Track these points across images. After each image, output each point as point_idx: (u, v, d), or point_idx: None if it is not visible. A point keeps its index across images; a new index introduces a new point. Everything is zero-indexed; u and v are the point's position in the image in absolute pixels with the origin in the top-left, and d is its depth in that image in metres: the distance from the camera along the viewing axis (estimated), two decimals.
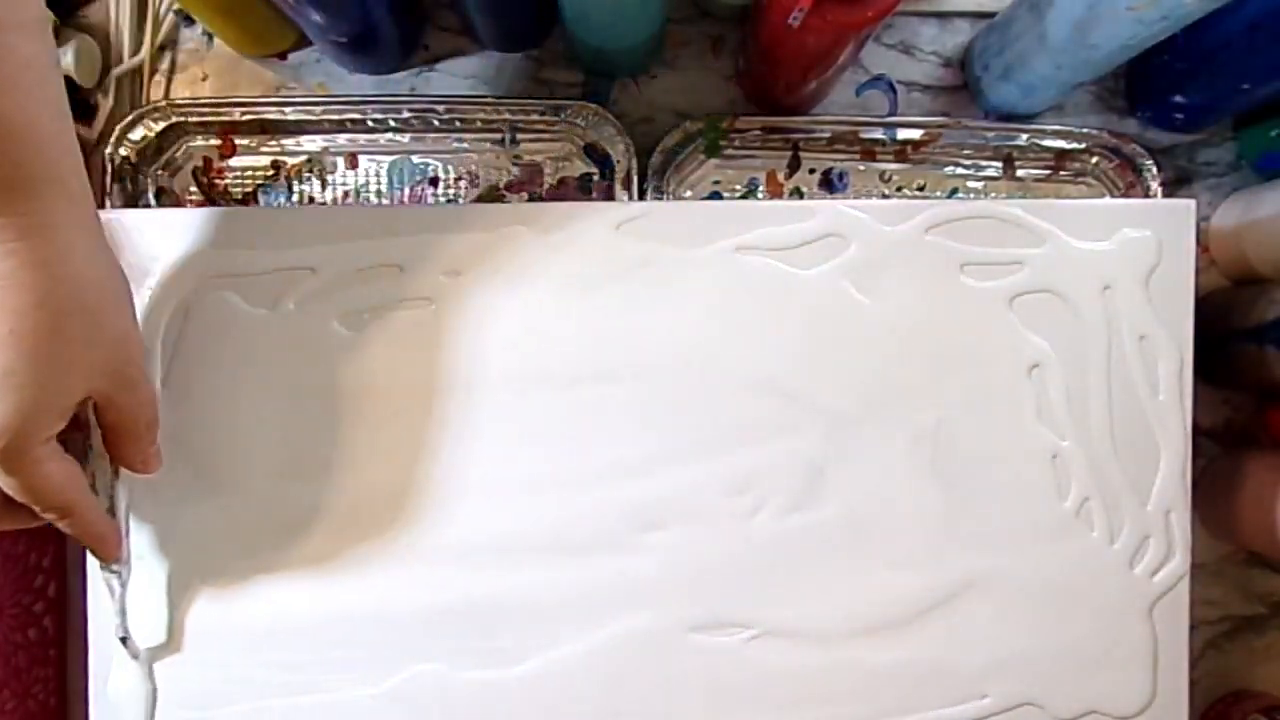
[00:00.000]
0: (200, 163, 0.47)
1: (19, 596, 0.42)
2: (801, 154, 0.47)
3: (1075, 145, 0.46)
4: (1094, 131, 0.46)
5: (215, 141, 0.46)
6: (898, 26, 0.48)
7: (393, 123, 0.46)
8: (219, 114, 0.45)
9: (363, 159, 0.47)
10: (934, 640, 0.39)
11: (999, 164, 0.47)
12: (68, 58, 0.43)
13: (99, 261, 0.31)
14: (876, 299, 0.40)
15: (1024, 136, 0.46)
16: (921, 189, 0.47)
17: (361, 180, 0.47)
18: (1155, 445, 0.40)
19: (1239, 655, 0.48)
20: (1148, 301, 0.40)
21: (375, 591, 0.39)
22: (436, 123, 0.46)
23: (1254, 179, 0.47)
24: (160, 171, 0.46)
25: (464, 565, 0.39)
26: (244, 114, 0.46)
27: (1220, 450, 0.47)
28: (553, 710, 0.39)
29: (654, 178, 0.45)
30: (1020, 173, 0.47)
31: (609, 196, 0.45)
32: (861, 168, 0.47)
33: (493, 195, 0.47)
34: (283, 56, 0.47)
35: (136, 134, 0.45)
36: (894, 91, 0.48)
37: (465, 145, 0.47)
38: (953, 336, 0.40)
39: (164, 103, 0.45)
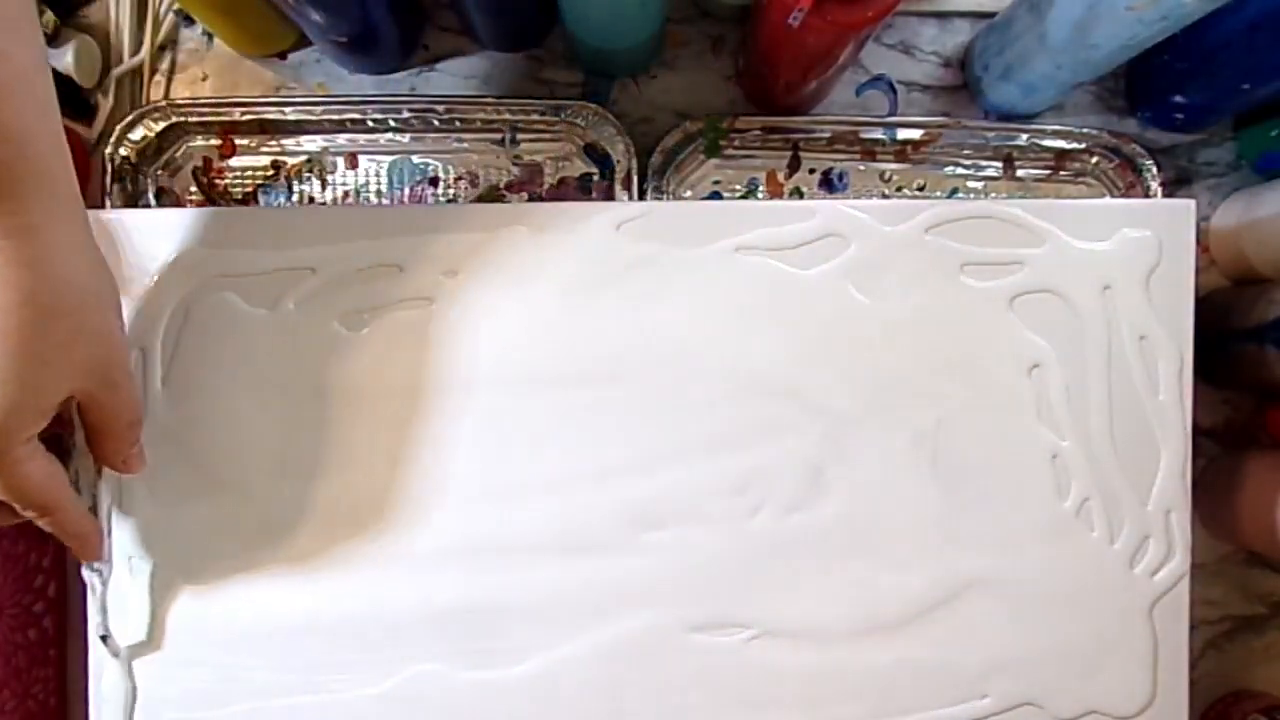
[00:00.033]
0: (200, 163, 0.47)
1: (19, 596, 0.42)
2: (801, 154, 0.47)
3: (1075, 145, 0.46)
4: (1094, 131, 0.46)
5: (215, 141, 0.46)
6: (898, 26, 0.48)
7: (393, 123, 0.46)
8: (219, 114, 0.45)
9: (363, 159, 0.47)
10: (934, 640, 0.39)
11: (999, 164, 0.47)
12: (68, 58, 0.43)
13: (85, 261, 0.31)
14: (876, 299, 0.40)
15: (1024, 136, 0.46)
16: (921, 189, 0.47)
17: (361, 180, 0.47)
18: (1155, 445, 0.40)
19: (1239, 655, 0.48)
20: (1148, 301, 0.40)
21: (376, 591, 0.39)
22: (436, 123, 0.46)
23: (1254, 179, 0.47)
24: (160, 171, 0.46)
25: (464, 565, 0.39)
26: (244, 114, 0.46)
27: (1220, 450, 0.47)
28: (553, 710, 0.39)
29: (654, 178, 0.45)
30: (1020, 173, 0.47)
31: (609, 196, 0.45)
32: (861, 168, 0.47)
33: (493, 195, 0.47)
34: (283, 56, 0.47)
35: (136, 134, 0.45)
36: (894, 91, 0.48)
37: (465, 145, 0.47)
38: (953, 336, 0.40)
39: (164, 103, 0.45)
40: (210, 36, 0.47)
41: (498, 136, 0.46)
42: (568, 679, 0.39)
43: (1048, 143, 0.46)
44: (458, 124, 0.46)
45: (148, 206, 0.46)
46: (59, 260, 0.30)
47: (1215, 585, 0.47)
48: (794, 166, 0.47)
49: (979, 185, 0.47)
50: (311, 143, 0.47)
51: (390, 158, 0.47)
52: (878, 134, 0.46)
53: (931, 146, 0.46)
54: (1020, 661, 0.39)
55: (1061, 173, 0.47)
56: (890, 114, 0.47)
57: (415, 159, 0.47)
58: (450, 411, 0.39)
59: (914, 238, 0.40)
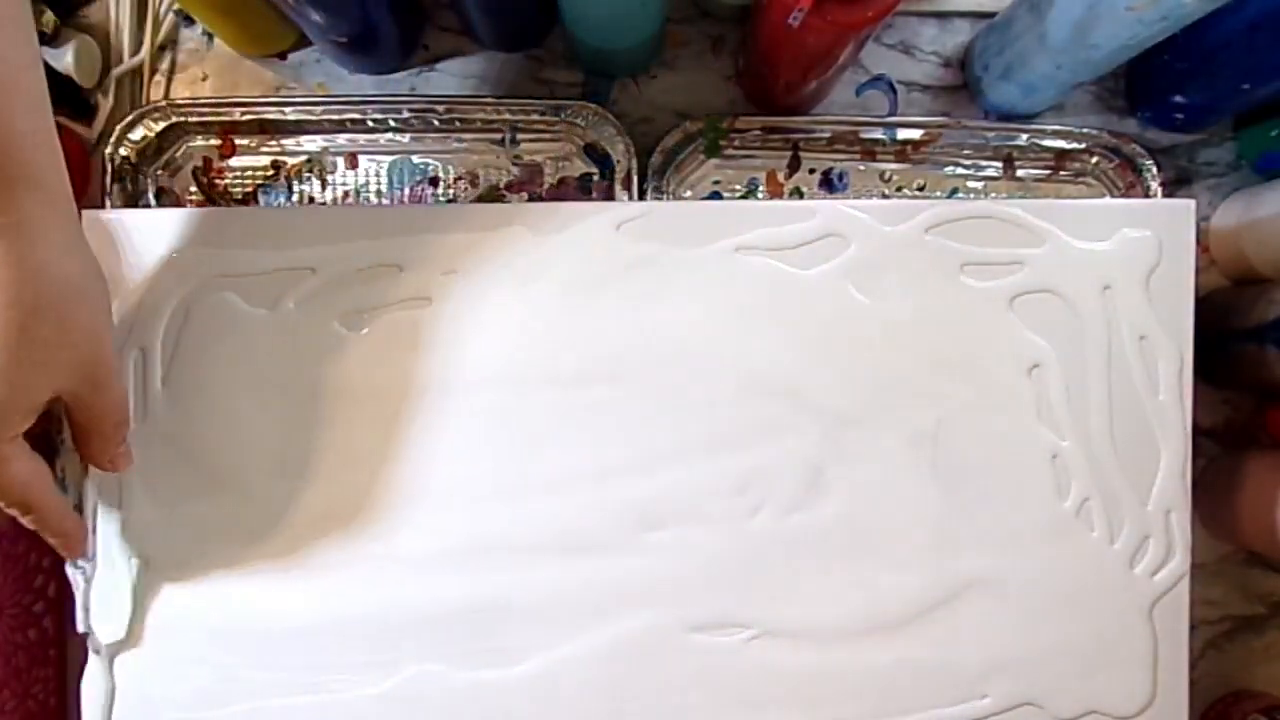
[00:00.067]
0: (200, 163, 0.47)
1: (19, 596, 0.42)
2: (801, 154, 0.47)
3: (1075, 145, 0.46)
4: (1094, 131, 0.46)
5: (215, 141, 0.46)
6: (898, 26, 0.48)
7: (393, 123, 0.46)
8: (219, 114, 0.45)
9: (363, 159, 0.47)
10: (934, 640, 0.39)
11: (999, 164, 0.47)
12: (68, 58, 0.43)
13: (73, 261, 0.31)
14: (876, 299, 0.40)
15: (1024, 136, 0.46)
16: (921, 189, 0.47)
17: (361, 180, 0.47)
18: (1155, 445, 0.40)
19: (1239, 655, 0.48)
20: (1148, 301, 0.40)
21: (376, 591, 0.39)
22: (436, 123, 0.46)
23: (1254, 179, 0.47)
24: (160, 171, 0.46)
25: (464, 565, 0.39)
26: (244, 114, 0.46)
27: (1220, 450, 0.47)
28: (553, 710, 0.39)
29: (654, 178, 0.45)
30: (1020, 173, 0.47)
31: (609, 196, 0.45)
32: (861, 168, 0.47)
33: (493, 195, 0.47)
34: (283, 56, 0.47)
35: (136, 134, 0.45)
36: (894, 91, 0.48)
37: (465, 145, 0.47)
38: (953, 336, 0.40)
39: (164, 103, 0.45)
40: (210, 36, 0.47)
41: (498, 136, 0.46)
42: (568, 679, 0.39)
43: (1048, 143, 0.46)
44: (458, 124, 0.46)
45: (148, 206, 0.46)
46: (48, 260, 0.30)
47: (1215, 585, 0.47)
48: (794, 166, 0.47)
49: (979, 185, 0.47)
50: (311, 143, 0.47)
51: (390, 158, 0.47)
52: (878, 134, 0.46)
53: (931, 146, 0.46)
54: (1020, 661, 0.39)
55: (1061, 173, 0.47)
56: (890, 114, 0.47)
57: (415, 159, 0.47)
58: (450, 411, 0.39)
59: (914, 238, 0.40)
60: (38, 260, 0.29)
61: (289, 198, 0.47)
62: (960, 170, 0.47)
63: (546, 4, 0.42)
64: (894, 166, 0.47)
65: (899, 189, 0.47)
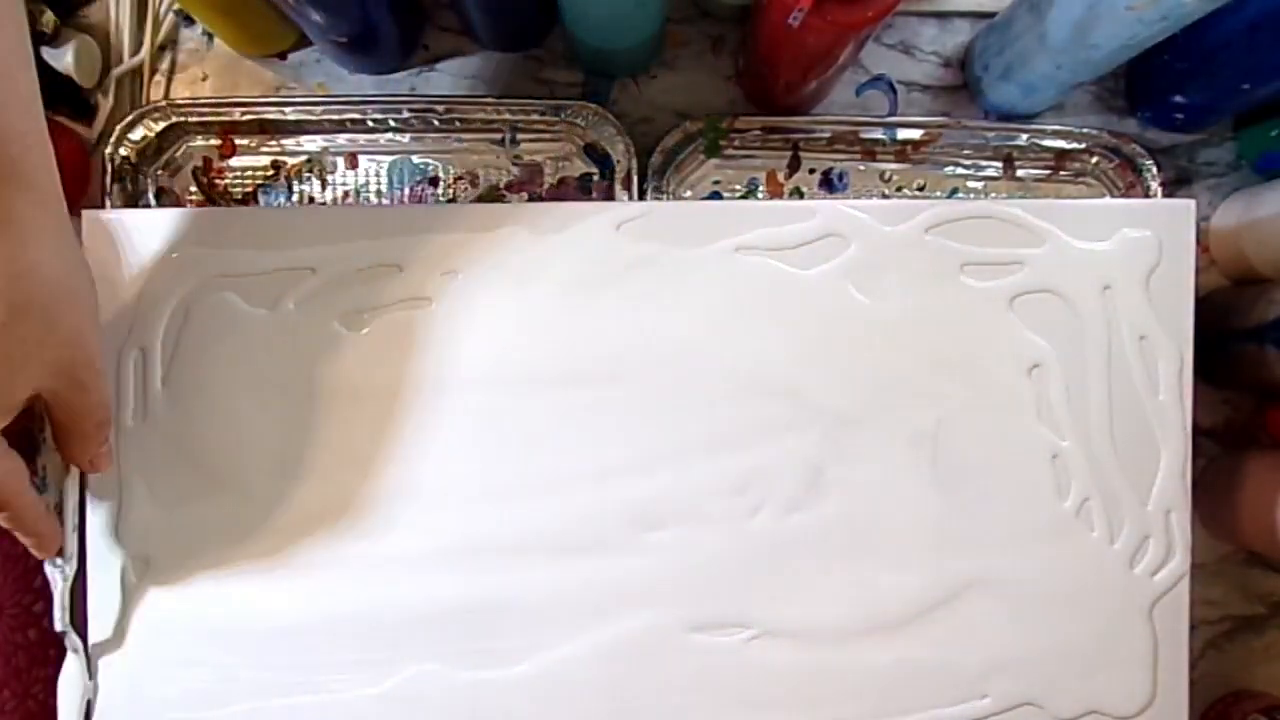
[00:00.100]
0: (200, 163, 0.47)
1: (19, 596, 0.42)
2: (801, 154, 0.47)
3: (1075, 145, 0.46)
4: (1094, 131, 0.46)
5: (215, 141, 0.46)
6: (898, 26, 0.48)
7: (393, 123, 0.46)
8: (219, 114, 0.45)
9: (363, 159, 0.47)
10: (934, 640, 0.39)
11: (999, 164, 0.47)
12: (68, 58, 0.43)
13: (62, 261, 0.31)
14: (876, 299, 0.40)
15: (1024, 136, 0.46)
16: (921, 189, 0.47)
17: (361, 180, 0.47)
18: (1155, 445, 0.40)
19: (1239, 655, 0.47)
20: (1148, 301, 0.40)
21: (376, 591, 0.39)
22: (436, 123, 0.46)
23: (1254, 179, 0.47)
24: (160, 171, 0.46)
25: (464, 565, 0.39)
26: (244, 114, 0.46)
27: (1220, 450, 0.47)
28: (553, 710, 0.39)
29: (654, 178, 0.45)
30: (1020, 173, 0.47)
31: (609, 196, 0.45)
32: (861, 168, 0.47)
33: (493, 195, 0.47)
34: (283, 56, 0.47)
35: (136, 134, 0.45)
36: (894, 91, 0.48)
37: (465, 145, 0.47)
38: (953, 336, 0.40)
39: (164, 103, 0.45)
40: (210, 36, 0.47)
41: (498, 136, 0.46)
42: (568, 679, 0.39)
43: (1048, 143, 0.46)
44: (458, 124, 0.46)
45: (148, 206, 0.46)
46: (38, 260, 0.30)
47: (1215, 585, 0.47)
48: (794, 166, 0.47)
49: (979, 185, 0.47)
50: (311, 143, 0.47)
51: (390, 158, 0.47)
52: (878, 134, 0.46)
53: (931, 146, 0.46)
54: (1020, 661, 0.39)
55: (1061, 173, 0.47)
56: (890, 114, 0.47)
57: (415, 159, 0.47)
58: (450, 411, 0.39)
59: (914, 238, 0.40)
60: (28, 260, 0.29)
61: (289, 198, 0.47)
62: (960, 170, 0.47)
63: (546, 4, 0.42)
64: (894, 166, 0.47)
65: (899, 189, 0.47)
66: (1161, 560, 0.40)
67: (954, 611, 0.39)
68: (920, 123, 0.46)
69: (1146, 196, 0.46)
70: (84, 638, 0.39)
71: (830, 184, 0.47)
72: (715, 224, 0.40)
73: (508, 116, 0.46)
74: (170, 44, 0.47)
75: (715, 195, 0.47)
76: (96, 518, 0.39)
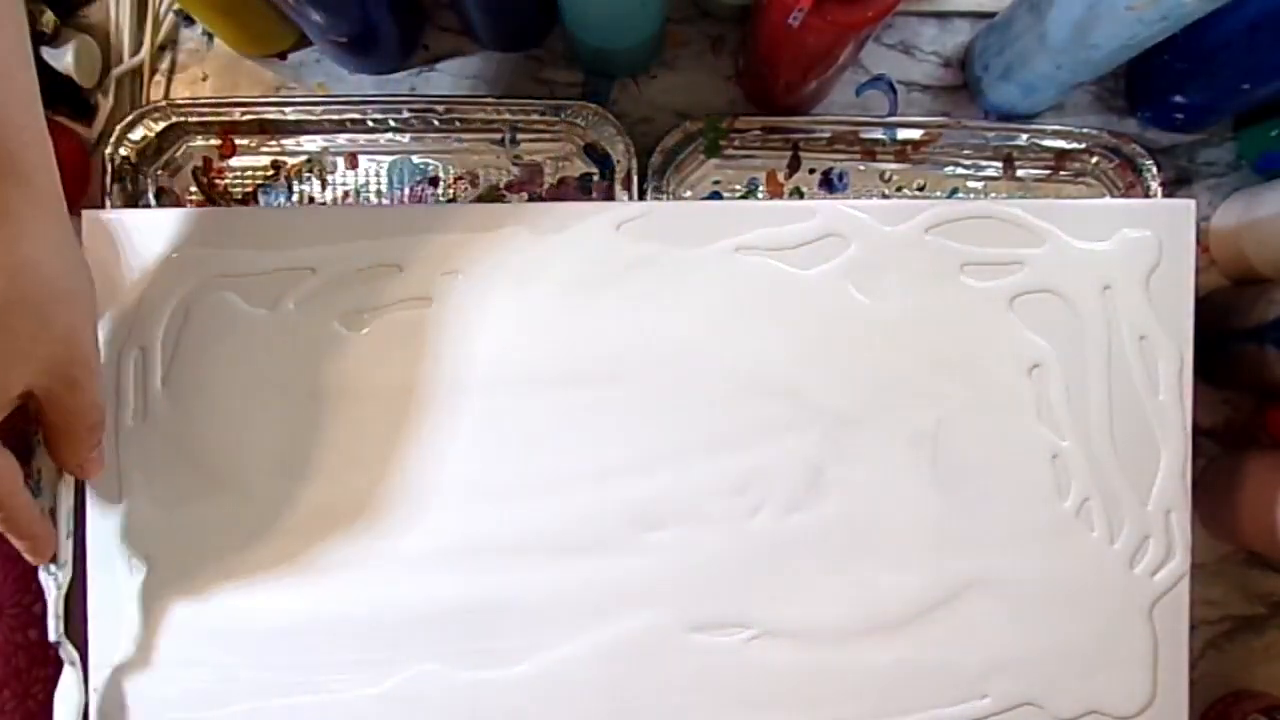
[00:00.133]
0: (200, 163, 0.47)
1: (19, 596, 0.42)
2: (801, 154, 0.47)
3: (1075, 145, 0.46)
4: (1094, 131, 0.46)
5: (215, 141, 0.46)
6: (898, 26, 0.48)
7: (393, 123, 0.46)
8: (219, 114, 0.45)
9: (363, 159, 0.47)
10: (934, 640, 0.39)
11: (999, 164, 0.47)
12: (68, 58, 0.43)
13: (59, 259, 0.31)
14: (876, 299, 0.40)
15: (1024, 136, 0.46)
16: (921, 189, 0.47)
17: (361, 180, 0.47)
18: (1155, 445, 0.40)
19: (1239, 655, 0.47)
20: (1148, 301, 0.40)
21: (376, 591, 0.39)
22: (436, 123, 0.46)
23: (1254, 179, 0.47)
24: (160, 171, 0.46)
25: (463, 565, 0.39)
26: (244, 114, 0.46)
27: (1220, 450, 0.47)
28: (553, 710, 0.39)
29: (654, 178, 0.45)
30: (1020, 173, 0.47)
31: (609, 196, 0.45)
32: (861, 168, 0.47)
33: (493, 195, 0.47)
34: (283, 56, 0.47)
35: (136, 134, 0.45)
36: (894, 91, 0.48)
37: (465, 145, 0.47)
38: (953, 336, 0.40)
39: (164, 103, 0.45)
40: (210, 36, 0.47)
41: (498, 136, 0.46)
42: (568, 679, 0.39)
43: (1048, 143, 0.46)
44: (458, 124, 0.46)
45: (148, 206, 0.46)
46: (34, 258, 0.29)
47: (1215, 585, 0.47)
48: (794, 166, 0.47)
49: (979, 185, 0.47)
50: (311, 143, 0.47)
51: (390, 158, 0.47)
52: (878, 134, 0.46)
53: (931, 146, 0.46)
54: (1020, 661, 0.39)
55: (1061, 173, 0.47)
56: (890, 114, 0.47)
57: (415, 159, 0.47)
58: (450, 411, 0.39)
59: (914, 238, 0.40)
60: (23, 255, 0.29)
61: (289, 198, 0.47)
62: (960, 170, 0.47)
63: (546, 4, 0.42)
64: (894, 166, 0.47)
65: (899, 189, 0.47)
66: (1161, 560, 0.40)
67: (954, 611, 0.39)
68: (920, 123, 0.46)
69: (1146, 196, 0.46)
70: (80, 646, 0.39)
71: (830, 184, 0.47)
72: (715, 224, 0.40)
73: (508, 116, 0.46)
74: (170, 44, 0.47)
75: (715, 195, 0.47)
76: (96, 517, 0.39)
